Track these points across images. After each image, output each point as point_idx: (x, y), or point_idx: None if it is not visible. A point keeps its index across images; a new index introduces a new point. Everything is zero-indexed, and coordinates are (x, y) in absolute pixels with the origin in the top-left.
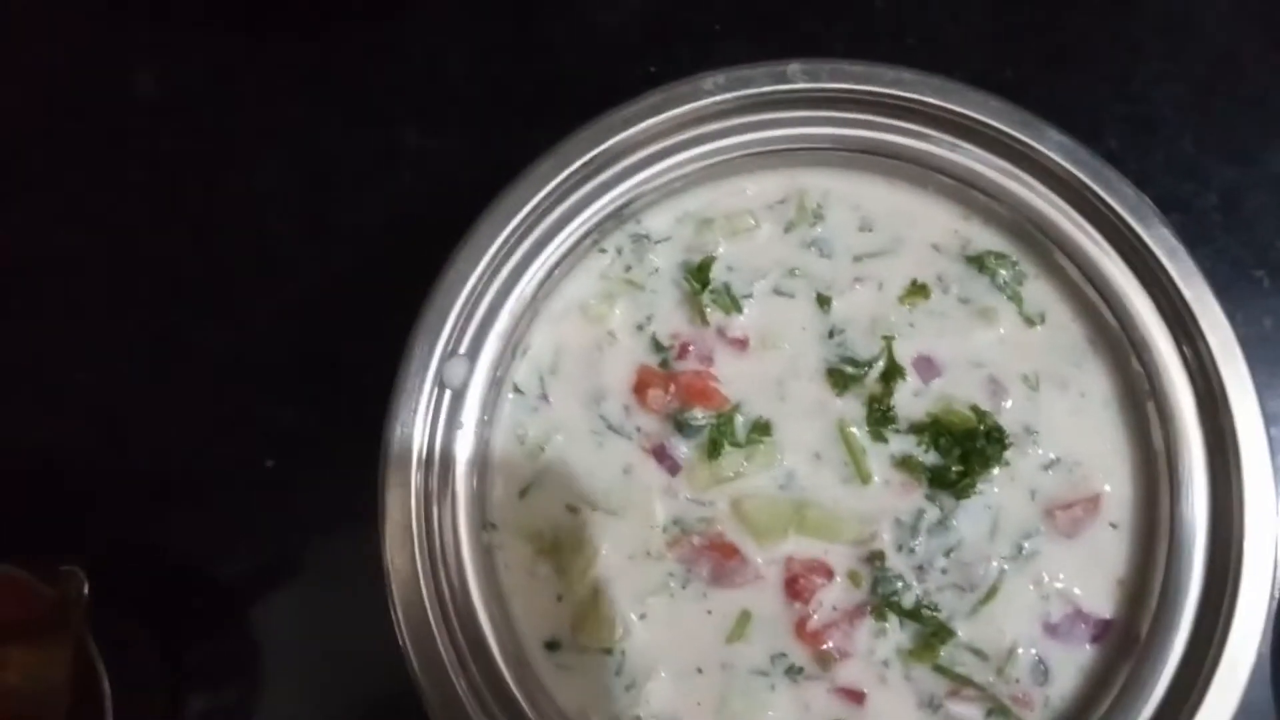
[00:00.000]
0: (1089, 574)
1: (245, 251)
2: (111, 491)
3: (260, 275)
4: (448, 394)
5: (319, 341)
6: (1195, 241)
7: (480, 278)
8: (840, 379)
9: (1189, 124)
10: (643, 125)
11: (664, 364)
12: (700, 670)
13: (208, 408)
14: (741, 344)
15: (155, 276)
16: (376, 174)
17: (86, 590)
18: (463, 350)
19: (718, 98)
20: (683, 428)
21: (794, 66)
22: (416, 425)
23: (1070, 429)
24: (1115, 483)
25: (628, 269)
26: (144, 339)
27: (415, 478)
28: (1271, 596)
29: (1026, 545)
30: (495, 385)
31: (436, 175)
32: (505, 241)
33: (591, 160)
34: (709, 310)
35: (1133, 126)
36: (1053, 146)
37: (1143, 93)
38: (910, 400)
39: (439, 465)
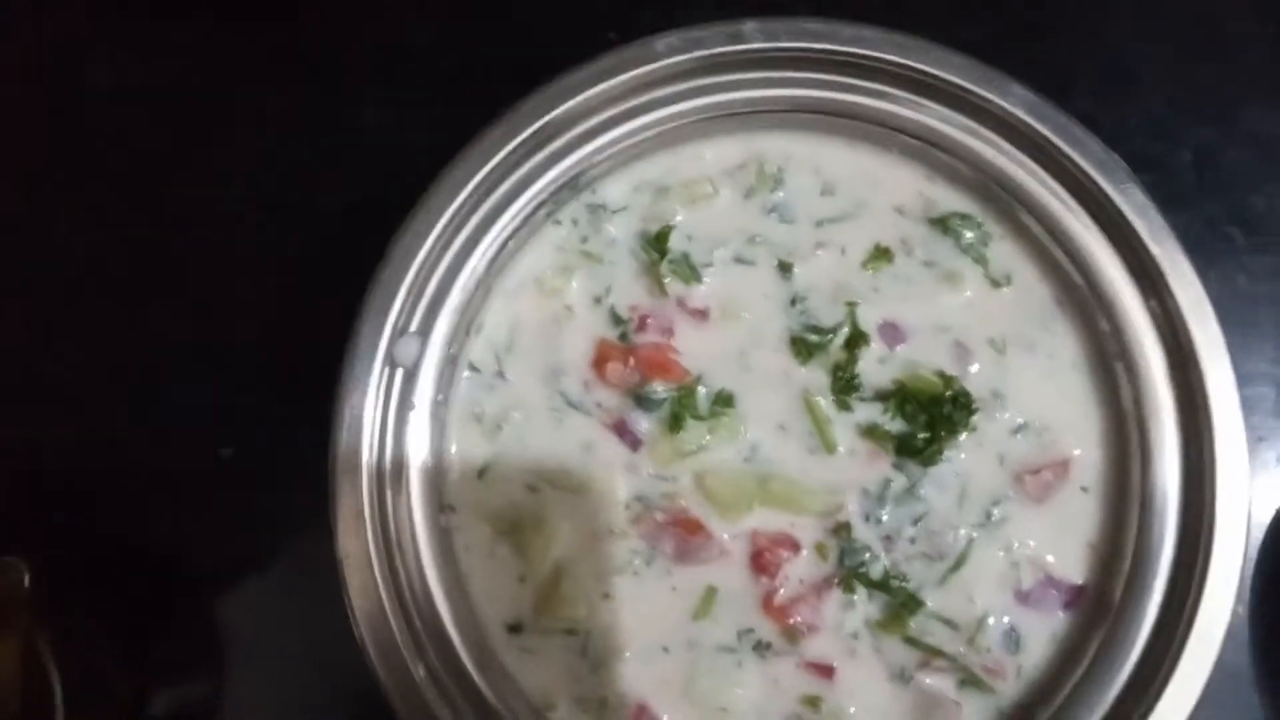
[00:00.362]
0: (1060, 540)
1: (203, 235)
2: (64, 482)
3: (219, 259)
4: (399, 374)
5: (277, 325)
6: (1169, 200)
7: (430, 252)
8: (804, 348)
9: (1162, 83)
10: (594, 90)
11: (623, 337)
12: (666, 649)
13: (164, 395)
14: (702, 314)
15: (113, 261)
16: (335, 152)
17: (27, 583)
18: (414, 328)
19: (670, 60)
20: (643, 402)
21: (749, 25)
22: (366, 408)
23: (1038, 392)
24: (1085, 446)
25: (584, 240)
26: (99, 325)
27: (367, 461)
28: (1245, 558)
29: (996, 512)
30: (449, 363)
31: (396, 151)
32: (455, 215)
33: (541, 128)
34: (668, 281)
35: (1105, 86)
36: (1017, 103)
37: (1115, 52)
38: (875, 368)
39: (392, 448)
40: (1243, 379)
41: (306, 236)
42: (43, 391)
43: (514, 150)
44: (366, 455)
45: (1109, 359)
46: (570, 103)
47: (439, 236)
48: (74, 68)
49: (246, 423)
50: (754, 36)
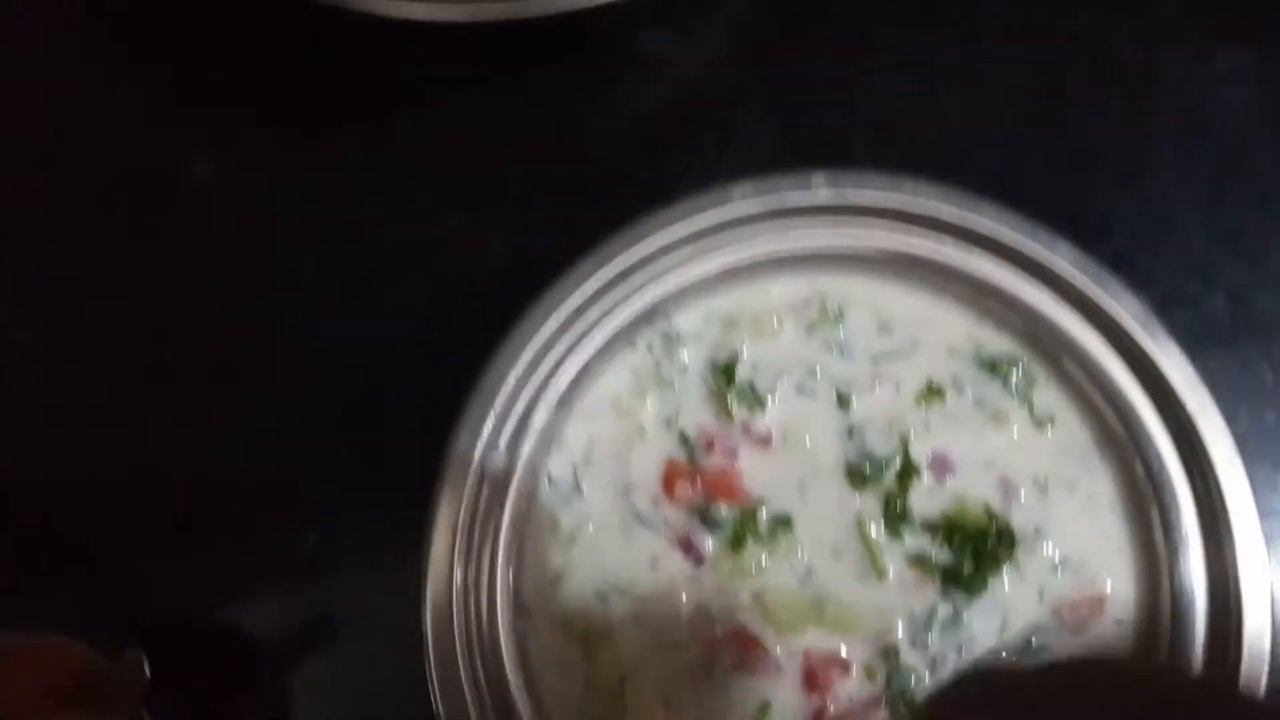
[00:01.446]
0: None
1: (290, 332)
2: (160, 568)
3: (305, 355)
4: (486, 486)
5: (360, 422)
6: (1202, 339)
7: (522, 373)
8: (858, 476)
9: (1198, 223)
10: (675, 231)
11: (691, 458)
12: None
13: (251, 482)
14: (764, 441)
15: (202, 353)
16: (419, 258)
17: (147, 674)
18: (502, 443)
19: (745, 208)
20: (708, 521)
21: (818, 178)
22: (460, 515)
23: (1077, 530)
24: (1120, 582)
25: (658, 365)
26: (192, 415)
27: (456, 566)
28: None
29: (1034, 641)
30: (530, 476)
31: (476, 259)
32: (546, 339)
33: (626, 262)
34: (734, 407)
35: (1142, 225)
36: (1062, 258)
37: (1152, 192)
38: (925, 498)
39: (476, 553)
40: (1271, 513)
41: (388, 338)
42: (136, 477)
43: (601, 281)
44: (454, 559)
45: (1144, 501)
46: (654, 240)
47: (531, 359)
48: (177, 166)
49: (330, 512)
50: (822, 188)
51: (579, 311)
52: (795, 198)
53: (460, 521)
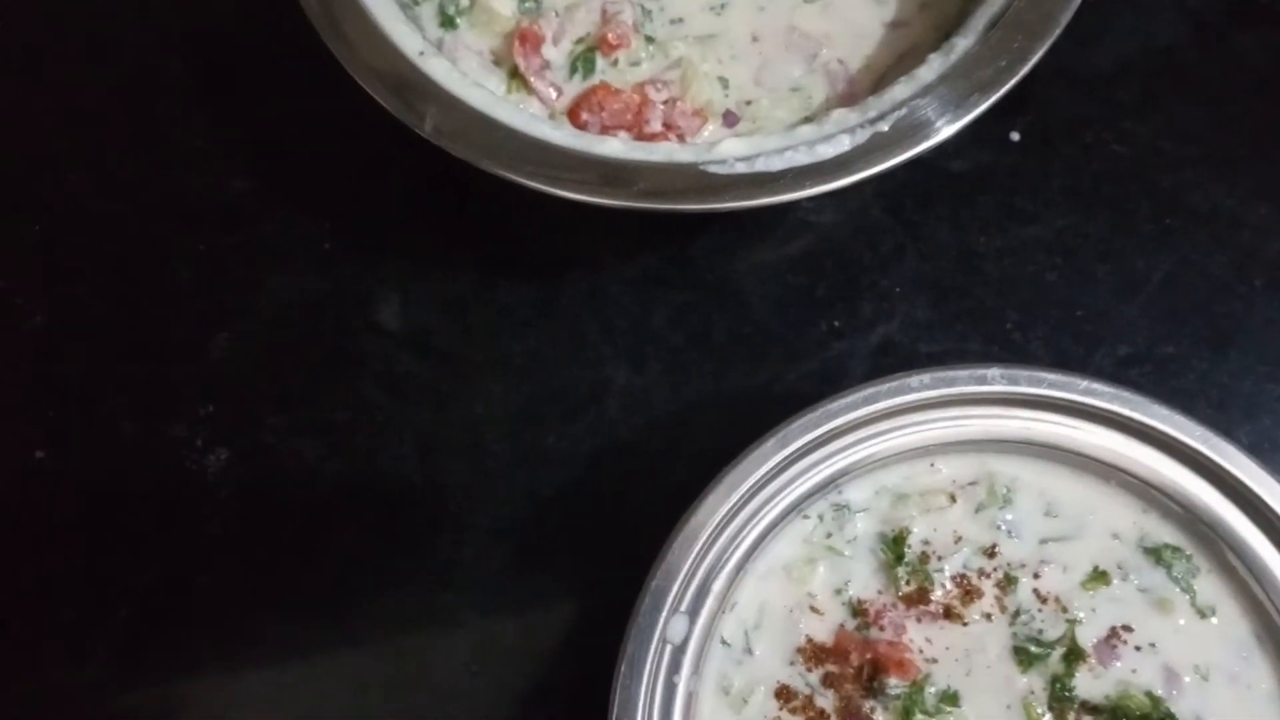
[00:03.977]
0: None
1: (463, 468)
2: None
3: (476, 491)
4: (668, 649)
5: (527, 559)
6: None
7: (705, 543)
8: (1025, 657)
9: None
10: (855, 414)
11: (860, 629)
12: None
13: (424, 612)
14: (932, 616)
15: (381, 485)
16: (586, 406)
17: None
18: (684, 608)
19: (922, 394)
20: (875, 693)
21: (994, 371)
22: (643, 680)
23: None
24: None
25: (828, 536)
26: (371, 542)
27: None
28: None
29: None
30: (705, 639)
31: (640, 410)
32: (728, 512)
33: (808, 441)
34: (903, 581)
35: None
36: (1227, 459)
37: None
38: (1090, 682)
39: (657, 714)
40: None
41: (555, 479)
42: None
43: (783, 459)
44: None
45: None
46: (834, 422)
47: (714, 530)
48: (365, 308)
49: (494, 646)
50: (997, 381)
51: (760, 484)
52: (971, 389)
53: (642, 687)
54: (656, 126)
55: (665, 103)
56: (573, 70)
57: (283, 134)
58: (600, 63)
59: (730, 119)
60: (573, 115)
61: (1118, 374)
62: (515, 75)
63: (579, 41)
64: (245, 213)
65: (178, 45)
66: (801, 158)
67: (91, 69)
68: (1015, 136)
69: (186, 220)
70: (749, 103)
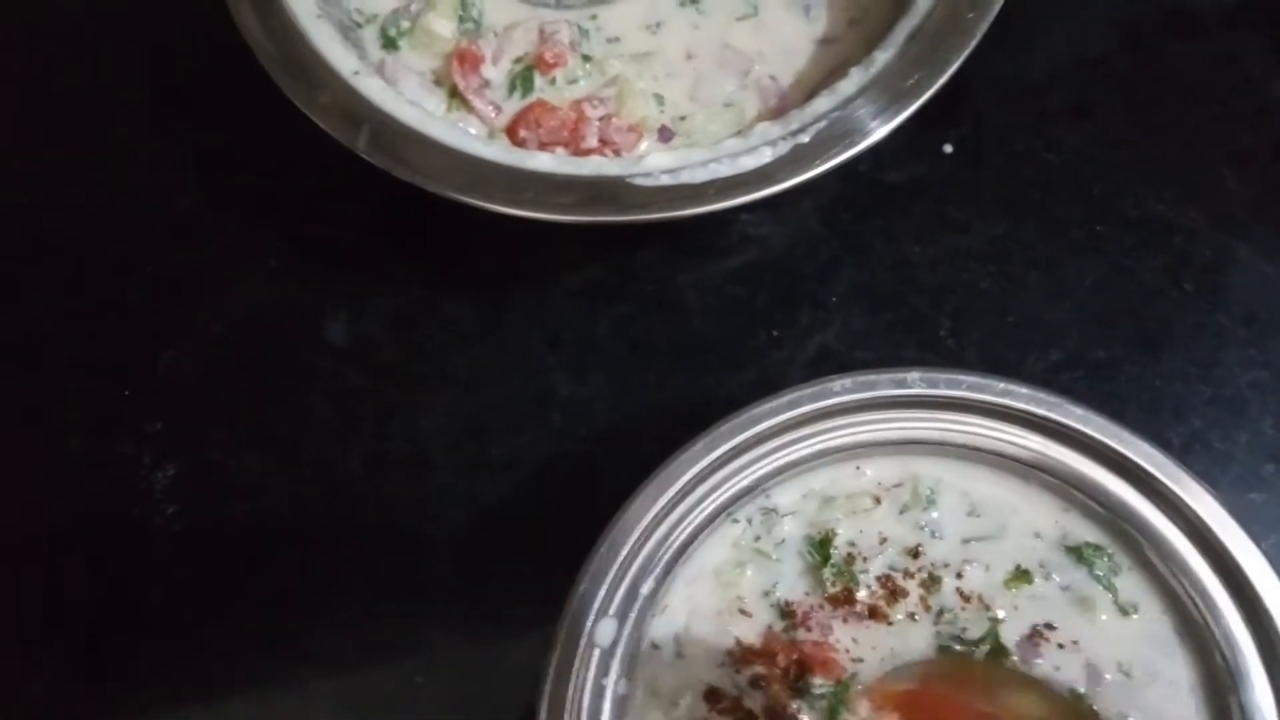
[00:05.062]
0: None
1: (408, 480)
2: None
3: (421, 503)
4: (595, 653)
5: (472, 568)
6: (1277, 521)
7: (633, 547)
8: (949, 655)
9: (1270, 407)
10: (780, 418)
11: (788, 630)
12: None
13: (370, 623)
14: (858, 616)
15: (328, 499)
16: (531, 417)
17: None
18: (611, 611)
19: (845, 398)
20: (803, 693)
21: (914, 375)
22: (570, 683)
23: (1160, 715)
24: None
25: (757, 539)
26: (318, 555)
27: None
28: None
29: None
30: (634, 642)
31: (583, 419)
32: (656, 515)
33: (735, 445)
34: (829, 582)
35: (1216, 409)
36: (1142, 457)
37: (1226, 377)
38: None
39: (587, 717)
40: None
41: (500, 489)
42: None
43: (710, 461)
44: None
45: (1223, 690)
46: (761, 425)
47: (641, 533)
48: (313, 324)
49: (437, 656)
50: (917, 384)
51: (688, 489)
52: (892, 392)
53: (569, 689)
54: (593, 142)
55: (601, 119)
56: (511, 89)
57: (230, 153)
58: (538, 81)
59: (665, 134)
60: (511, 133)
61: (1050, 378)
62: (455, 95)
63: (517, 61)
64: (192, 231)
65: (129, 64)
66: (725, 169)
67: (42, 88)
68: (948, 148)
69: (134, 238)
70: (683, 118)
